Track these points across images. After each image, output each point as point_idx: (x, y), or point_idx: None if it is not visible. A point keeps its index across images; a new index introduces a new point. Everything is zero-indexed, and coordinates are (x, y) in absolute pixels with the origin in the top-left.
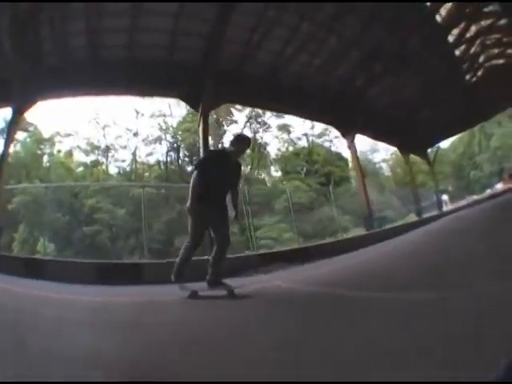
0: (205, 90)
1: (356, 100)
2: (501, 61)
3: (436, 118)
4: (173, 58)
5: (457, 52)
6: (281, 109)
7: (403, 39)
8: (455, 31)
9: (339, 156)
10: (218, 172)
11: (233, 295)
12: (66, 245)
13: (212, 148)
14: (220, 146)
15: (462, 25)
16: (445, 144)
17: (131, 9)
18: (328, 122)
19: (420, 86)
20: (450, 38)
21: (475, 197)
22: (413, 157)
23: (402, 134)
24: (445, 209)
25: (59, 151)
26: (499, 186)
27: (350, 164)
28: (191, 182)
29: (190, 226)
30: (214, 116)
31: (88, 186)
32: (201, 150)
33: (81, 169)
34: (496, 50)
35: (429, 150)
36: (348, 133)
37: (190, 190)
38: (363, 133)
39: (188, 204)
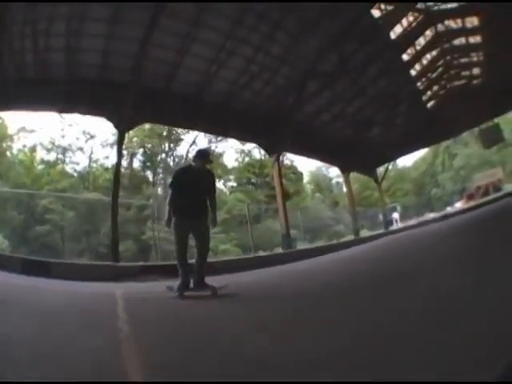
0: (124, 110)
1: (283, 119)
2: (462, 81)
3: (386, 137)
4: (100, 77)
5: (413, 70)
6: (206, 128)
7: (345, 54)
8: (411, 49)
9: (293, 170)
10: (188, 185)
11: (216, 295)
12: (21, 242)
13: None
14: (173, 154)
15: (420, 41)
16: (408, 162)
17: (66, 30)
18: (253, 141)
19: (365, 103)
20: (407, 56)
21: (431, 215)
22: None
23: (341, 152)
24: (395, 227)
25: (24, 146)
26: (458, 205)
27: (307, 178)
28: (167, 198)
29: (174, 239)
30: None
31: (38, 187)
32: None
33: (41, 166)
34: (457, 71)
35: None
36: (272, 151)
37: (166, 206)
38: (294, 151)
39: (165, 218)
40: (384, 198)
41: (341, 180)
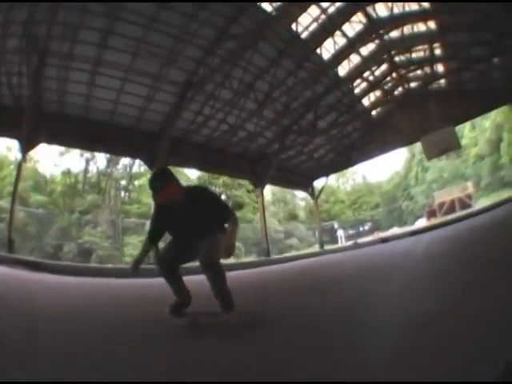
0: (24, 134)
1: (162, 133)
2: (407, 86)
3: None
4: (9, 104)
5: (342, 71)
6: (100, 148)
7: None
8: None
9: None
10: (175, 228)
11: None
12: None
13: None
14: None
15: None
16: (383, 176)
17: None
18: (137, 157)
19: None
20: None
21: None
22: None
23: (251, 166)
24: (339, 245)
25: None
26: (421, 222)
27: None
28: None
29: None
30: None
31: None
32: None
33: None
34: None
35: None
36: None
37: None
38: (188, 166)
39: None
40: (320, 216)
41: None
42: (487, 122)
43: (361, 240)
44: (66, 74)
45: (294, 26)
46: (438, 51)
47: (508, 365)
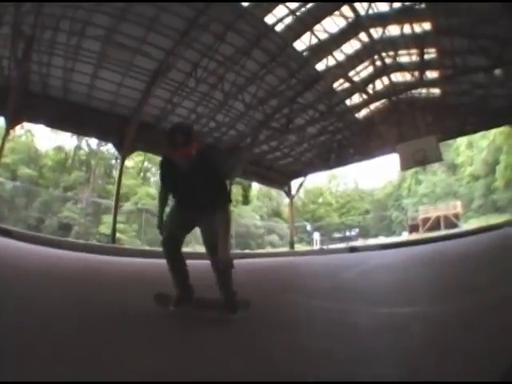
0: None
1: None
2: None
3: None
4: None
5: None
6: (71, 129)
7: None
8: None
9: None
10: (177, 184)
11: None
12: None
13: None
14: None
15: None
16: (376, 184)
17: None
18: (107, 139)
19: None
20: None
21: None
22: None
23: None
24: (314, 247)
25: None
26: (405, 235)
27: None
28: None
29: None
30: None
31: None
32: None
33: None
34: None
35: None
36: (121, 150)
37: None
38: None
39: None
40: (293, 215)
41: None
42: (485, 141)
43: (332, 245)
44: (49, 59)
45: (268, 19)
46: (430, 56)
47: (510, 365)
